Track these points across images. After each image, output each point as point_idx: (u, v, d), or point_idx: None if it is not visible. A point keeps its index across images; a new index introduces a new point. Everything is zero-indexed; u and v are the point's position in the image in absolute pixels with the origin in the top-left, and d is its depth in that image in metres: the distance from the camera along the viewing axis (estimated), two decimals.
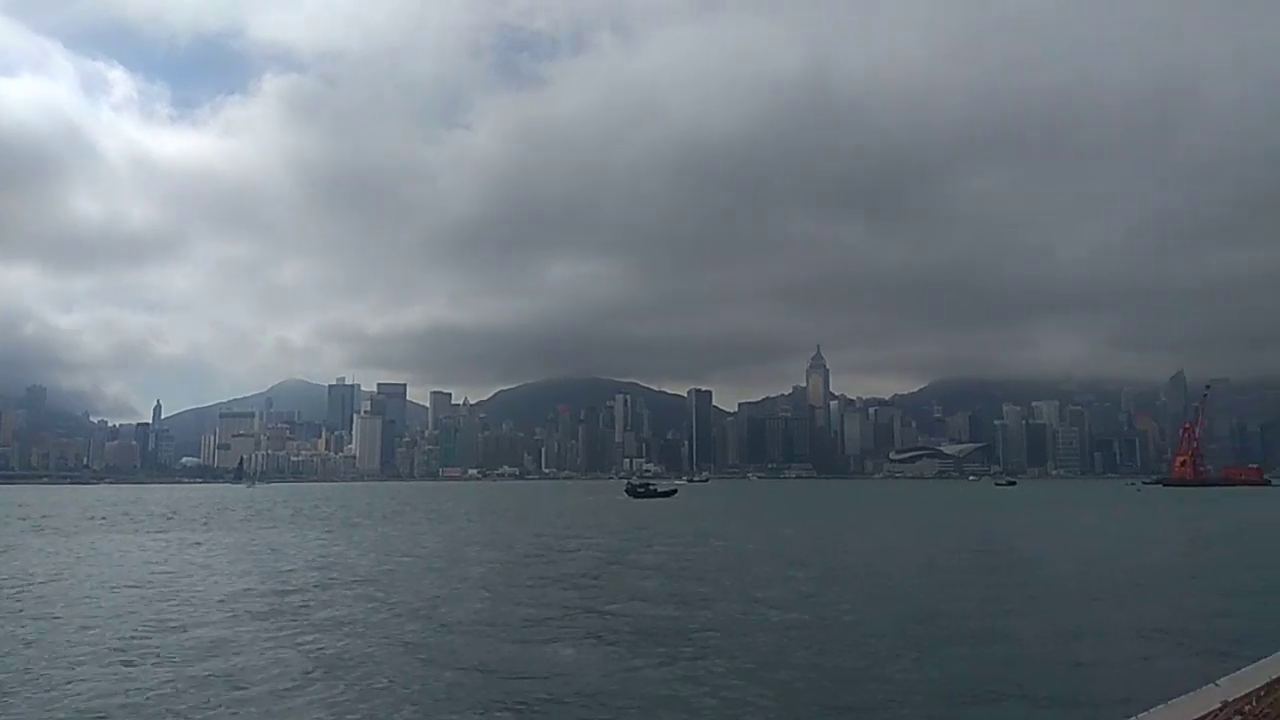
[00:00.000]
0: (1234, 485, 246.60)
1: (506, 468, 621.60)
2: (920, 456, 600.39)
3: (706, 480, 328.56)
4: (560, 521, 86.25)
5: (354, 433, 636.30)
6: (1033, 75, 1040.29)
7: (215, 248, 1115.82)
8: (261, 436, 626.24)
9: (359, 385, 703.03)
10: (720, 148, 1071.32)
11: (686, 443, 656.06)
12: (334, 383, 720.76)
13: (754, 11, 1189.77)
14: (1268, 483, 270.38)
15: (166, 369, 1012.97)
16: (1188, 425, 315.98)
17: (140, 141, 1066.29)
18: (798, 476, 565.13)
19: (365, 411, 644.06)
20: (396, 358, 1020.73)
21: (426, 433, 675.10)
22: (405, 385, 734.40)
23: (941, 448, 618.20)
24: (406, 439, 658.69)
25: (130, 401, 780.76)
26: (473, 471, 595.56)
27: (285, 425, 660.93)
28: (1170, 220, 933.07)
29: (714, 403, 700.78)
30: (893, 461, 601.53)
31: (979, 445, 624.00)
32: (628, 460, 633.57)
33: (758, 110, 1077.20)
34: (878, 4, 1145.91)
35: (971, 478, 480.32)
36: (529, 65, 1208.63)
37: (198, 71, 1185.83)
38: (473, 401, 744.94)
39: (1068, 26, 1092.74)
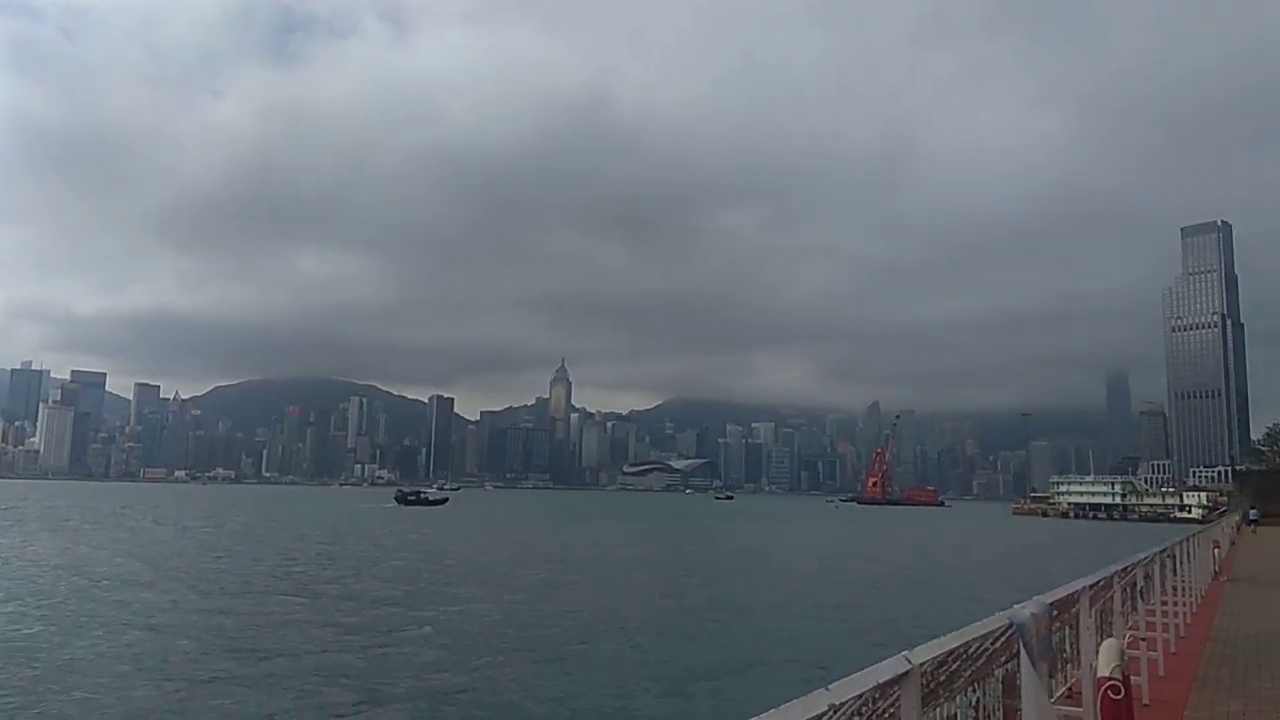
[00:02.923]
0: (915, 505, 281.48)
1: (221, 470, 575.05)
2: (651, 470, 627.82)
3: (458, 489, 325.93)
4: (402, 540, 71.47)
5: (39, 424, 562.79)
6: (786, 122, 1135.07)
7: None
8: None
9: (49, 371, 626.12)
10: (490, 156, 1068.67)
11: (424, 450, 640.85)
12: (17, 367, 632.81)
13: (535, 25, 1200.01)
14: (942, 503, 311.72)
15: None
16: (879, 450, 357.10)
17: None
18: (535, 486, 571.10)
19: (54, 401, 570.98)
20: (105, 343, 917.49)
21: (128, 428, 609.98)
22: (105, 375, 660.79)
23: (671, 462, 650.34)
24: (103, 434, 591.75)
25: None
26: (180, 473, 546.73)
27: None
28: (879, 268, 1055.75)
29: (456, 410, 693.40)
30: (625, 474, 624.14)
31: (704, 461, 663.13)
32: (359, 466, 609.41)
33: (533, 124, 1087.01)
34: (653, 36, 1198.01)
35: (689, 491, 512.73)
36: (300, 45, 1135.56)
37: None
38: (185, 396, 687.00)
39: (821, 80, 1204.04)
